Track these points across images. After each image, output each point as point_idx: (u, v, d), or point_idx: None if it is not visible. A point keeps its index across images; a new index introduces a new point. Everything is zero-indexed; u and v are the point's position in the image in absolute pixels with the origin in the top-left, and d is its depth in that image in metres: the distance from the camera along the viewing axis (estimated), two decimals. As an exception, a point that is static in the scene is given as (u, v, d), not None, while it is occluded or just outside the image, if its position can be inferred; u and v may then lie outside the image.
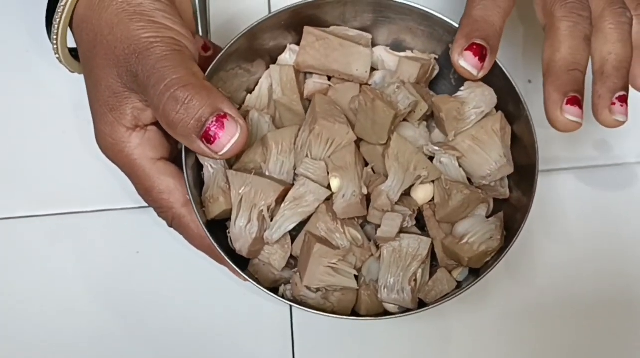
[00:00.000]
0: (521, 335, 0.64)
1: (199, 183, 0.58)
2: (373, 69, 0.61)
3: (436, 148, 0.57)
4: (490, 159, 0.56)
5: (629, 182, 0.69)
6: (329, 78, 0.60)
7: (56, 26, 0.53)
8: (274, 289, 0.57)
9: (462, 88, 0.57)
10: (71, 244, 0.65)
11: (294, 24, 0.59)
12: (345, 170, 0.55)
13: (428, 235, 0.57)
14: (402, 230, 0.56)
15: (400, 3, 0.57)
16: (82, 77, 0.56)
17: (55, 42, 0.55)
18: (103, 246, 0.65)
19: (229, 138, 0.49)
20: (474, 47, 0.51)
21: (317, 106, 0.56)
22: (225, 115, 0.49)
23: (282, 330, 0.64)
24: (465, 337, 0.64)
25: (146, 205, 0.57)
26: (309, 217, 0.56)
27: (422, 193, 0.57)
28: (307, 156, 0.56)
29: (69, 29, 0.54)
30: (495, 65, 0.54)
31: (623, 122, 0.53)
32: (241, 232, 0.55)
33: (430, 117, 0.60)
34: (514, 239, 0.54)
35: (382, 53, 0.61)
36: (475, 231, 0.56)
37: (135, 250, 0.65)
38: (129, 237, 0.65)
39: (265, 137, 0.57)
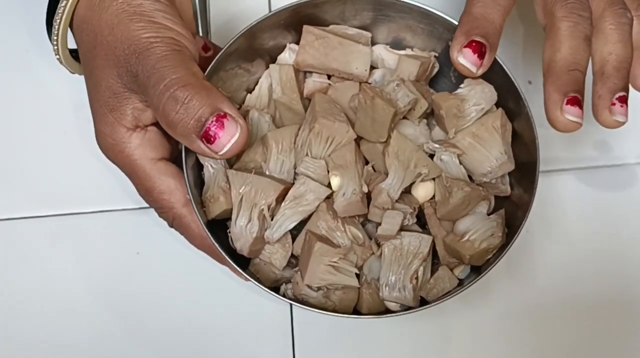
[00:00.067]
0: (521, 334, 0.64)
1: (199, 183, 0.58)
2: (373, 68, 0.61)
3: (436, 145, 0.57)
4: (491, 156, 0.56)
5: (629, 183, 0.69)
6: (329, 77, 0.61)
7: (56, 27, 0.54)
8: (275, 288, 0.57)
9: (462, 85, 0.57)
10: (71, 245, 0.65)
11: (293, 23, 0.59)
12: (345, 168, 0.55)
13: (429, 233, 0.57)
14: (403, 228, 0.56)
15: (400, 1, 0.57)
16: (82, 77, 0.56)
17: (55, 43, 0.55)
18: (103, 247, 0.65)
19: (228, 138, 0.49)
20: (473, 44, 0.51)
21: (317, 105, 0.56)
22: (225, 115, 0.49)
23: (283, 329, 0.64)
24: (466, 336, 0.64)
25: (147, 205, 0.57)
26: (310, 216, 0.56)
27: (422, 191, 0.57)
28: (307, 155, 0.56)
29: (69, 29, 0.54)
30: (495, 63, 0.54)
31: (623, 123, 0.53)
32: (242, 232, 0.55)
33: (431, 115, 0.60)
34: (516, 236, 0.54)
35: (381, 51, 0.61)
36: (477, 228, 0.56)
37: (136, 251, 0.65)
38: (129, 237, 0.65)
39: (265, 137, 0.57)
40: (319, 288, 0.56)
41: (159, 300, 0.64)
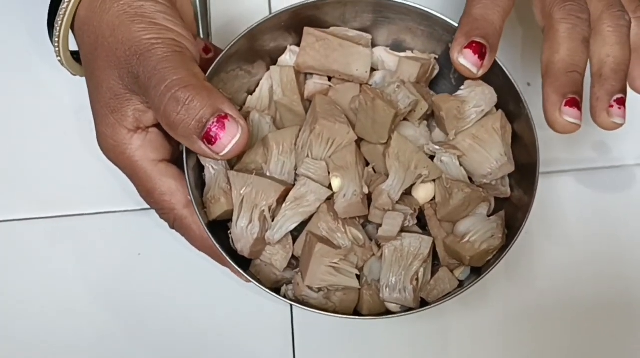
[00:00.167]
0: (520, 336, 0.65)
1: (200, 184, 0.58)
2: (373, 69, 0.61)
3: (437, 147, 0.57)
4: (491, 157, 0.56)
5: (627, 184, 0.69)
6: (329, 78, 0.61)
7: (58, 29, 0.54)
8: (275, 289, 0.57)
9: (462, 87, 0.57)
10: (72, 246, 0.65)
11: (294, 24, 0.59)
12: (346, 169, 0.55)
13: (429, 234, 0.57)
14: (403, 230, 0.56)
15: (400, 3, 0.58)
16: (83, 79, 0.56)
17: (57, 44, 0.55)
18: (104, 248, 0.65)
19: (229, 138, 0.49)
20: (474, 45, 0.51)
21: (318, 106, 0.56)
22: (226, 116, 0.49)
23: (283, 330, 0.64)
24: (466, 337, 0.64)
25: (147, 206, 0.57)
26: (310, 217, 0.56)
27: (423, 193, 0.57)
28: (308, 156, 0.56)
29: (70, 31, 0.55)
30: (495, 64, 0.54)
31: (621, 125, 0.54)
32: (243, 233, 0.55)
33: (431, 116, 0.60)
34: (516, 237, 0.54)
35: (382, 53, 0.62)
36: (477, 230, 0.56)
37: (137, 252, 0.65)
38: (130, 238, 0.65)
39: (266, 138, 0.57)
40: (319, 290, 0.56)
41: (160, 301, 0.64)
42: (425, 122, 0.59)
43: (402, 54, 0.61)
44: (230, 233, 0.56)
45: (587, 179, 0.68)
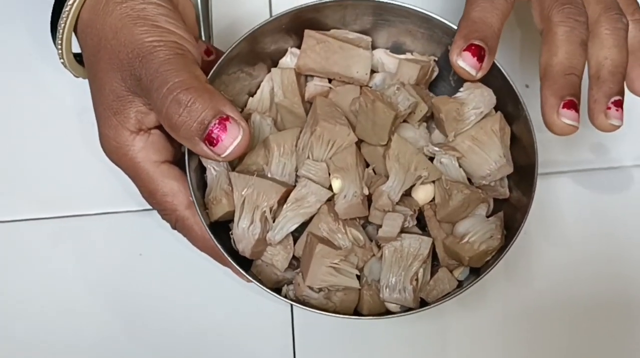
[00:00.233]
0: (519, 336, 0.65)
1: (202, 185, 0.58)
2: (373, 71, 0.61)
3: (436, 148, 0.57)
4: (490, 159, 0.56)
5: (625, 185, 0.69)
6: (330, 80, 0.61)
7: (61, 31, 0.54)
8: (276, 290, 0.57)
9: (461, 89, 0.58)
10: (74, 246, 0.65)
11: (294, 27, 0.59)
12: (346, 171, 0.55)
13: (429, 235, 0.57)
14: (403, 230, 0.56)
15: (400, 6, 0.58)
16: (85, 81, 0.56)
17: (60, 47, 0.55)
18: (106, 248, 0.65)
19: (231, 140, 0.49)
20: (473, 47, 0.51)
21: (318, 108, 0.56)
22: (227, 118, 0.49)
23: (284, 330, 0.64)
24: (465, 337, 0.65)
25: (149, 207, 0.57)
26: (311, 218, 0.56)
27: (422, 194, 0.57)
28: (308, 157, 0.56)
29: (73, 33, 0.55)
30: (494, 67, 0.54)
31: (618, 126, 0.54)
32: (244, 233, 0.55)
33: (430, 118, 0.60)
34: (514, 238, 0.54)
35: (382, 55, 0.62)
36: (476, 230, 0.56)
37: (138, 252, 0.65)
38: (132, 239, 0.65)
39: (267, 139, 0.57)
40: (320, 290, 0.56)
41: (161, 301, 0.64)
42: (424, 124, 0.59)
43: (402, 56, 0.62)
44: (232, 234, 0.56)
45: (585, 180, 0.69)
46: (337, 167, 0.55)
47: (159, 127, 0.55)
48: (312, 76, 0.61)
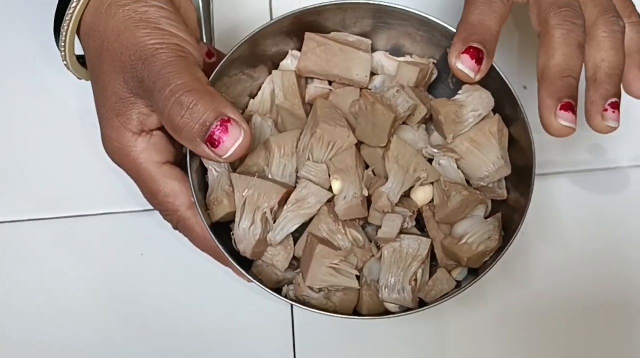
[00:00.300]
0: (517, 335, 0.65)
1: (203, 186, 0.58)
2: (373, 74, 0.61)
3: (435, 150, 0.57)
4: (488, 160, 0.57)
5: (622, 186, 0.69)
6: (330, 83, 0.61)
7: (64, 34, 0.54)
8: (277, 290, 0.57)
9: (460, 91, 0.58)
10: (77, 246, 0.66)
11: (295, 30, 0.59)
12: (346, 172, 0.55)
13: (428, 236, 0.58)
14: (402, 231, 0.56)
15: (399, 9, 0.58)
16: (88, 83, 0.56)
17: (63, 49, 0.55)
18: (108, 248, 0.65)
19: (232, 142, 0.49)
20: (471, 50, 0.51)
21: (319, 110, 0.56)
22: (229, 120, 0.49)
23: (284, 330, 0.64)
24: (463, 337, 0.65)
25: (151, 207, 0.57)
26: (311, 219, 0.56)
27: (421, 195, 0.57)
28: (309, 159, 0.56)
29: (76, 36, 0.55)
30: (492, 69, 0.55)
31: (615, 128, 0.54)
32: (245, 234, 0.55)
33: (429, 120, 0.60)
34: (512, 239, 0.54)
35: (381, 58, 0.62)
36: (474, 232, 0.56)
37: (140, 252, 0.65)
38: (134, 239, 0.65)
39: (268, 141, 0.57)
40: (320, 290, 0.56)
41: (163, 300, 0.64)
42: (424, 126, 0.59)
43: (402, 59, 0.62)
44: (233, 235, 0.56)
45: (582, 181, 0.69)
46: (337, 168, 0.56)
47: (161, 129, 0.55)
48: (312, 78, 0.61)
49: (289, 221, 0.56)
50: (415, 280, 0.56)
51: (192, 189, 0.54)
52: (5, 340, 0.64)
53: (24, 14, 0.70)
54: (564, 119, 0.51)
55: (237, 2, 0.71)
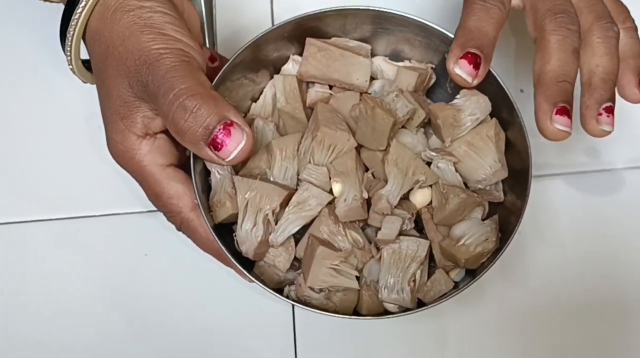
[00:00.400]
0: (515, 334, 0.65)
1: (206, 188, 0.58)
2: (372, 78, 0.61)
3: (433, 153, 0.57)
4: (485, 163, 0.57)
5: (617, 187, 0.69)
6: (330, 87, 0.61)
7: (70, 38, 0.54)
8: (278, 290, 0.57)
9: (457, 96, 0.58)
10: (81, 246, 0.66)
11: (296, 35, 0.60)
12: (346, 175, 0.56)
13: (426, 238, 0.58)
14: (401, 233, 0.56)
15: (398, 15, 0.58)
16: (93, 87, 0.56)
17: (68, 53, 0.55)
18: (112, 248, 0.66)
19: (235, 145, 0.50)
20: (469, 55, 0.51)
21: (319, 114, 0.57)
22: (231, 123, 0.49)
23: (285, 329, 0.64)
24: (462, 336, 0.65)
25: (154, 209, 0.57)
26: (312, 221, 0.56)
27: (420, 197, 0.58)
28: (309, 162, 0.56)
29: (82, 41, 0.55)
30: (490, 74, 0.55)
31: (609, 132, 0.54)
32: (247, 235, 0.55)
33: (428, 124, 0.60)
34: (509, 241, 0.55)
35: (381, 63, 0.62)
36: (472, 233, 0.56)
37: (144, 252, 0.65)
38: (137, 239, 0.66)
39: (269, 144, 0.57)
40: (320, 290, 0.56)
41: (166, 300, 0.64)
42: (422, 130, 0.60)
43: (401, 64, 0.62)
44: (235, 236, 0.56)
45: (578, 182, 0.69)
46: (338, 171, 0.56)
47: (165, 132, 0.55)
48: (313, 83, 0.61)
49: (290, 223, 0.56)
50: (414, 280, 0.56)
51: (195, 191, 0.55)
52: (8, 340, 0.64)
53: (31, 19, 0.70)
54: (559, 123, 0.52)
55: (240, 8, 0.71)
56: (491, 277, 0.62)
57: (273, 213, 0.56)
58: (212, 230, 0.54)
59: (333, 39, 0.61)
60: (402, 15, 0.58)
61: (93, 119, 0.62)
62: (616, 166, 0.70)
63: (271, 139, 0.58)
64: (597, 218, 0.68)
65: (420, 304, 0.57)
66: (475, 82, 0.52)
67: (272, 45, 0.60)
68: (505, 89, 0.56)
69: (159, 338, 0.64)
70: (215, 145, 0.50)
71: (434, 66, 0.62)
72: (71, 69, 0.57)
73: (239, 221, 0.56)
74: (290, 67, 0.62)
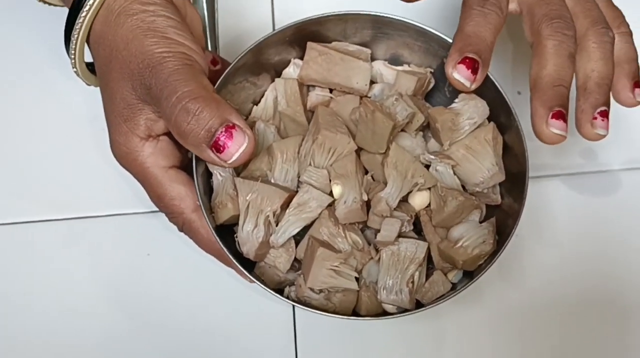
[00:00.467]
0: (512, 335, 0.65)
1: (208, 190, 0.58)
2: (372, 82, 0.62)
3: (432, 157, 0.58)
4: (483, 167, 0.57)
5: (613, 188, 0.70)
6: (331, 90, 0.61)
7: (74, 42, 0.54)
8: (279, 290, 0.57)
9: (456, 100, 0.58)
10: (85, 247, 0.66)
11: (297, 39, 0.60)
12: (346, 177, 0.56)
13: (425, 239, 0.58)
14: (400, 235, 0.57)
15: (398, 20, 0.58)
16: (97, 89, 0.56)
17: (73, 56, 0.55)
18: (115, 248, 0.66)
19: (237, 147, 0.50)
20: (467, 60, 0.51)
21: (320, 117, 0.57)
22: (233, 126, 0.50)
23: (286, 330, 0.64)
24: (460, 336, 0.65)
25: (157, 209, 0.57)
26: (313, 222, 0.57)
27: (419, 200, 0.58)
28: (310, 164, 0.57)
29: (86, 44, 0.55)
30: (487, 78, 0.55)
31: (604, 136, 0.54)
32: (248, 236, 0.56)
33: (427, 128, 0.60)
34: (506, 243, 0.55)
35: (380, 67, 0.62)
36: (469, 235, 0.56)
37: (146, 253, 0.65)
38: (140, 240, 0.66)
39: (270, 147, 0.57)
40: (320, 291, 0.56)
41: (168, 300, 0.64)
42: (421, 133, 0.60)
43: (400, 68, 0.62)
44: (237, 237, 0.56)
45: (575, 183, 0.69)
46: (338, 173, 0.56)
47: (168, 134, 0.55)
48: (314, 86, 0.61)
49: (291, 224, 0.56)
50: (413, 282, 0.56)
51: (198, 193, 0.55)
52: (12, 340, 0.64)
53: (36, 22, 0.70)
54: (555, 127, 0.52)
55: (242, 12, 0.72)
56: (489, 278, 0.61)
57: (274, 215, 0.56)
58: (213, 231, 0.55)
59: (333, 43, 0.61)
60: (402, 20, 0.59)
61: (97, 120, 0.61)
62: (613, 167, 0.70)
63: (272, 141, 0.58)
64: (594, 219, 0.69)
65: (419, 305, 0.57)
66: (474, 87, 0.53)
67: (273, 49, 0.60)
68: (503, 93, 0.57)
69: (160, 337, 0.64)
70: (217, 148, 0.50)
71: (432, 70, 0.62)
72: (75, 72, 0.57)
73: (240, 222, 0.56)
74: (292, 71, 0.62)
